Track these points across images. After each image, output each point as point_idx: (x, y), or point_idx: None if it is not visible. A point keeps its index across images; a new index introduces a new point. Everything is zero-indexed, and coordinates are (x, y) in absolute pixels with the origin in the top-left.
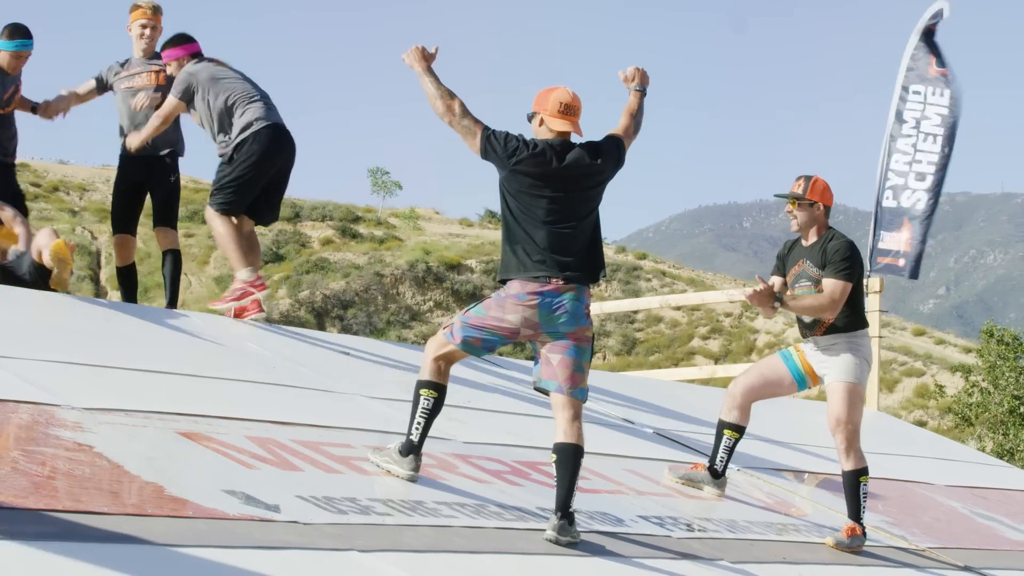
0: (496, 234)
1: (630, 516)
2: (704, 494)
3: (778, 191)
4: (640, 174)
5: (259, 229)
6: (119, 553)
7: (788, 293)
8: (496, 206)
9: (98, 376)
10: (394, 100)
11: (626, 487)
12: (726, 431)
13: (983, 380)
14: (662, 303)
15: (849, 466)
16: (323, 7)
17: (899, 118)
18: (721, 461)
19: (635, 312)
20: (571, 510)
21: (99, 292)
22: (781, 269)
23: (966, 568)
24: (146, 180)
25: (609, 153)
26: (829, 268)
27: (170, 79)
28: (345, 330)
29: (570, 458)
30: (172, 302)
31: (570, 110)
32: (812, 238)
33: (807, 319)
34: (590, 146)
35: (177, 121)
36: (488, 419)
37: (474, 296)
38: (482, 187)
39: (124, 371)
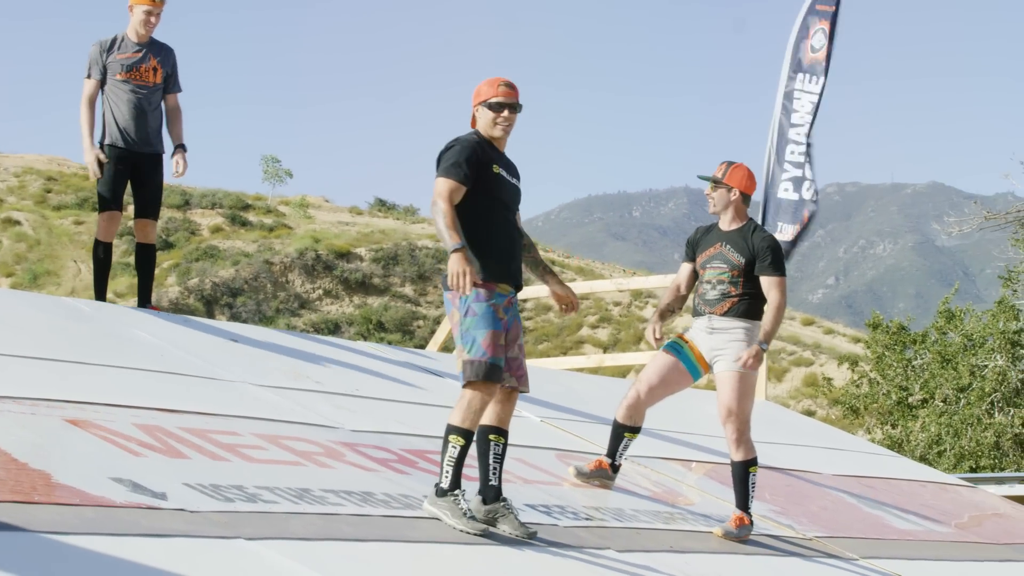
0: (385, 222)
1: (517, 505)
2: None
3: (667, 180)
4: (530, 163)
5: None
6: (5, 541)
7: (763, 334)
8: (387, 196)
9: None
10: (285, 88)
11: (513, 476)
12: (627, 434)
13: (871, 371)
14: (548, 292)
15: (739, 456)
16: None
17: (787, 108)
18: (620, 457)
19: (524, 300)
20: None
21: None
22: (691, 255)
23: (853, 557)
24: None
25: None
26: (765, 264)
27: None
28: (234, 318)
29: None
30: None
31: None
32: (732, 224)
33: (710, 295)
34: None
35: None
36: (375, 407)
37: (363, 284)
38: (372, 176)
39: (11, 358)
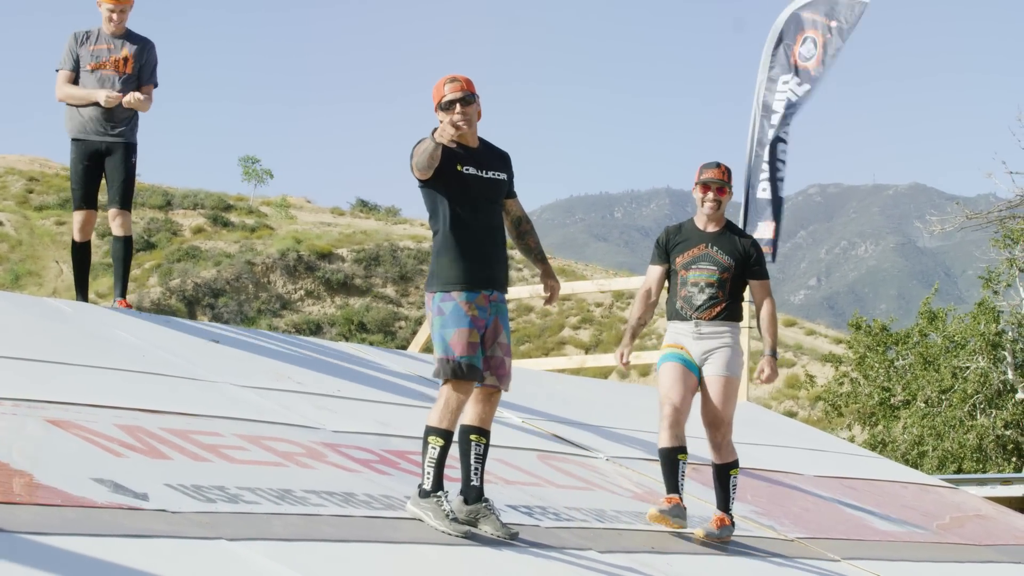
0: (366, 223)
1: (498, 505)
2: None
3: (649, 182)
4: (512, 164)
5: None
6: None
7: (770, 346)
8: (369, 197)
9: None
10: (265, 88)
11: (495, 476)
12: (680, 456)
13: (853, 371)
14: (532, 293)
15: (721, 459)
16: None
17: (767, 108)
18: (682, 488)
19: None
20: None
21: None
22: (663, 257)
23: (834, 558)
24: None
25: None
26: (757, 268)
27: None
28: (216, 319)
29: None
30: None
31: None
32: (714, 226)
33: (697, 299)
34: None
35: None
36: (357, 408)
37: (344, 285)
38: (354, 177)
39: None
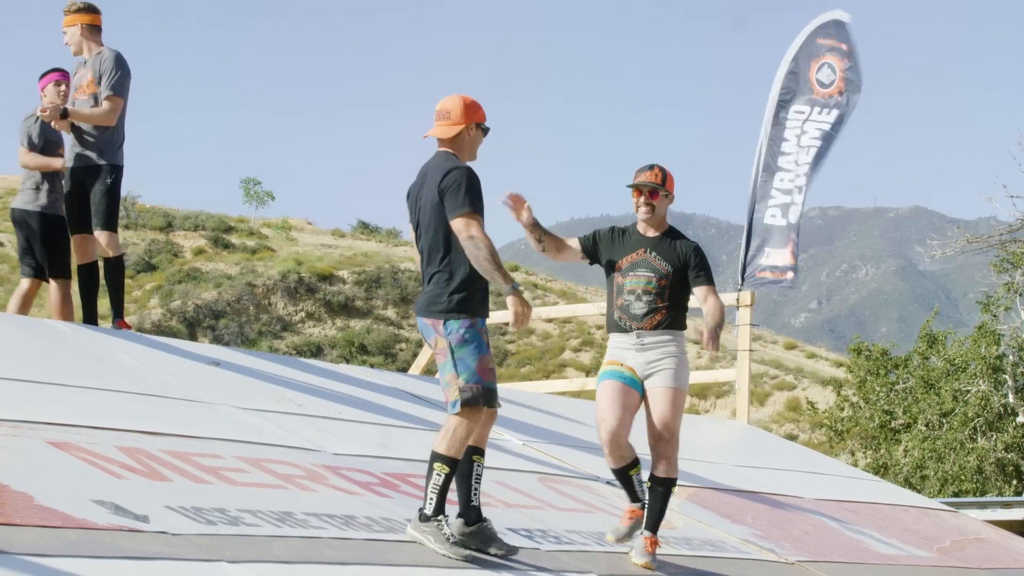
0: (367, 245)
1: (499, 529)
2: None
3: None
4: (512, 186)
5: (131, 237)
6: None
7: (713, 321)
8: (370, 219)
9: None
10: (266, 109)
11: (495, 499)
12: (631, 472)
13: (854, 395)
14: (534, 315)
15: (666, 472)
16: (190, 12)
17: (779, 136)
18: (644, 494)
19: (506, 324)
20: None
21: None
22: (590, 247)
23: None
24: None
25: (436, 172)
26: (700, 275)
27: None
28: (216, 340)
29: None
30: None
31: (437, 115)
32: (654, 231)
33: (635, 308)
34: (432, 160)
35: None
36: (358, 430)
37: (345, 307)
38: (354, 198)
39: None
